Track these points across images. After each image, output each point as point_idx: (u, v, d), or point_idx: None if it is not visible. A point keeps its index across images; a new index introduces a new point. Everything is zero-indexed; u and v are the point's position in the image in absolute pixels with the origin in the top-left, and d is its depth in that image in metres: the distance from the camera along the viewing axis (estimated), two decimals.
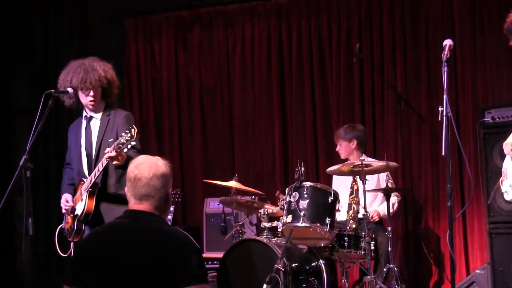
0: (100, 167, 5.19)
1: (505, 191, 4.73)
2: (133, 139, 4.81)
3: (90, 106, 5.47)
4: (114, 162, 5.09)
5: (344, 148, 7.25)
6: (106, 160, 5.09)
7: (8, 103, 8.95)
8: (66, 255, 5.55)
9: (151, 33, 8.98)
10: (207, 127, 8.79)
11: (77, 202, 5.43)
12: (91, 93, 5.40)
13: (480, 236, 7.30)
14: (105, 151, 5.07)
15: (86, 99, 5.43)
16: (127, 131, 4.83)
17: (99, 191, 5.32)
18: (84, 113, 5.55)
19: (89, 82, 5.36)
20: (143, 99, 8.97)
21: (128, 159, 4.86)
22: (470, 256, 7.49)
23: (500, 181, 4.89)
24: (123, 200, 5.06)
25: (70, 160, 5.67)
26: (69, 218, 5.52)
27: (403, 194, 7.40)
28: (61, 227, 5.66)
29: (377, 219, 6.99)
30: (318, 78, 8.25)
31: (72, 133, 5.64)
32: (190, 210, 8.70)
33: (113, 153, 4.97)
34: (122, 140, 4.82)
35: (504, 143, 4.66)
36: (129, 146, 4.83)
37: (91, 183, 5.25)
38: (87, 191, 5.28)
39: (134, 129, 4.83)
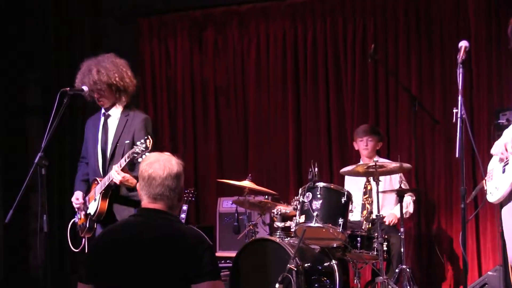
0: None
1: (490, 193, 4.72)
2: (148, 150, 4.82)
3: (101, 105, 5.52)
4: (119, 181, 5.15)
5: (373, 146, 7.27)
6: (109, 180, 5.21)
7: (22, 102, 9.00)
8: (78, 250, 5.59)
9: (165, 32, 8.98)
10: (221, 127, 8.79)
11: (90, 201, 5.47)
12: (95, 94, 5.45)
13: (493, 238, 7.29)
14: (113, 174, 5.15)
15: (96, 98, 5.49)
16: (142, 141, 4.85)
17: (112, 192, 5.35)
18: (103, 110, 5.58)
19: (88, 83, 5.41)
20: (157, 99, 8.98)
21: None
22: (482, 258, 7.48)
23: (484, 181, 4.88)
24: (134, 203, 5.16)
25: (86, 154, 5.70)
26: (82, 215, 5.55)
27: (417, 195, 7.38)
28: (74, 221, 5.69)
29: (395, 222, 7.01)
30: (332, 78, 8.25)
31: (89, 127, 5.68)
32: (203, 209, 8.72)
33: (120, 177, 5.09)
34: (137, 150, 4.85)
35: (496, 143, 4.64)
36: (143, 157, 4.83)
37: (105, 185, 5.28)
38: (100, 193, 5.32)
39: (150, 140, 4.85)
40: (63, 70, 8.80)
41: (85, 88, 5.42)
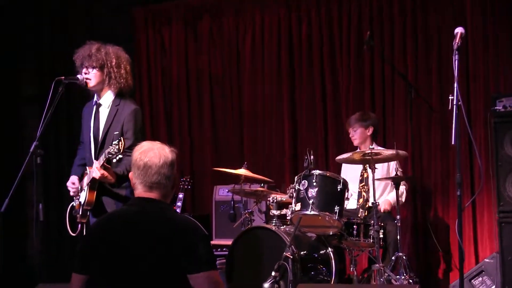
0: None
1: None
2: (120, 153, 4.82)
3: (88, 84, 5.46)
4: (98, 177, 5.17)
5: (359, 134, 7.21)
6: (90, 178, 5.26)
7: (16, 91, 8.99)
8: (75, 234, 5.60)
9: (160, 21, 8.98)
10: (216, 115, 8.78)
11: (81, 190, 5.48)
12: (84, 69, 5.41)
13: (490, 225, 7.28)
14: (93, 169, 5.19)
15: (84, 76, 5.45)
16: (115, 143, 4.84)
17: (100, 185, 5.34)
18: (95, 98, 5.55)
19: (83, 55, 5.40)
20: (152, 88, 8.99)
21: (119, 178, 5.15)
22: (479, 245, 7.47)
23: None
24: (120, 197, 5.18)
25: (83, 139, 5.70)
26: (77, 201, 5.56)
27: (413, 183, 7.38)
28: (72, 205, 5.68)
29: (389, 209, 6.99)
30: (328, 66, 8.22)
31: (85, 114, 5.67)
32: (199, 197, 8.72)
33: (99, 173, 5.11)
34: (111, 151, 4.86)
35: None
36: (117, 158, 4.87)
37: (90, 179, 5.29)
38: (87, 184, 5.33)
39: (122, 143, 4.85)
40: (57, 59, 8.79)
41: (79, 76, 5.40)
